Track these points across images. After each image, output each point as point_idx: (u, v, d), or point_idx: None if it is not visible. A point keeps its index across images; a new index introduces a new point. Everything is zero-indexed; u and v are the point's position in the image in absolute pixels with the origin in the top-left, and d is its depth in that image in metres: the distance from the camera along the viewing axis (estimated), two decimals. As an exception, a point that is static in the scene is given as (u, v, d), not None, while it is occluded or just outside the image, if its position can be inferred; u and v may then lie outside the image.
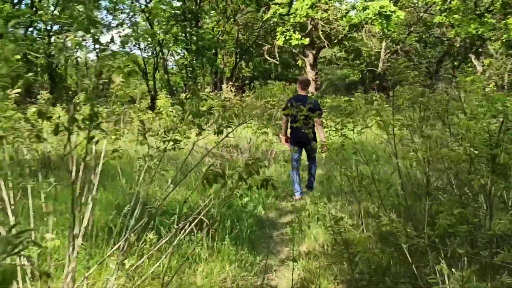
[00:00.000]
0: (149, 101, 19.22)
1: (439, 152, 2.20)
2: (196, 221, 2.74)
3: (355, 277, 3.20)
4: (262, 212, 5.18)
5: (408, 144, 2.96)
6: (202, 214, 2.71)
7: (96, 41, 1.47)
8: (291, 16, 16.85)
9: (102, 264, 2.72)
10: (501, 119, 1.90)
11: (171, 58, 25.42)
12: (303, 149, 6.09)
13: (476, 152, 1.82)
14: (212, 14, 25.03)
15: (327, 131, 4.76)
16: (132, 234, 2.49)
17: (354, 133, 4.03)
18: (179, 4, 20.68)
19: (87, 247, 3.23)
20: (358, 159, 3.66)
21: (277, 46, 19.15)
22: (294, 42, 16.99)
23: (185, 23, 19.94)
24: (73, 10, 1.57)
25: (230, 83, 16.76)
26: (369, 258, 3.33)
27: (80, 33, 1.58)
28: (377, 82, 24.49)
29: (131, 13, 21.28)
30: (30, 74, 1.83)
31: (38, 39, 17.10)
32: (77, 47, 1.57)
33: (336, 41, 19.50)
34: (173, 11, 19.85)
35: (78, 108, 1.71)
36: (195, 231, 3.66)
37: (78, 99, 1.74)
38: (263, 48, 21.67)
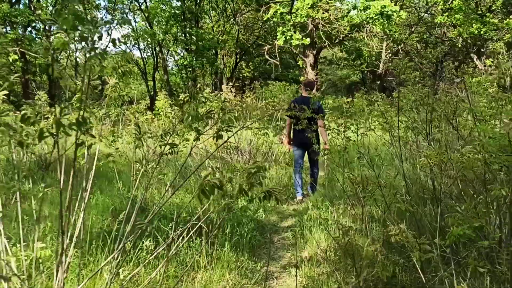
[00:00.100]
0: (149, 101, 19.12)
1: (450, 157, 2.08)
2: (196, 228, 2.63)
3: (360, 285, 3.08)
4: (262, 216, 5.06)
5: (416, 148, 2.85)
6: (201, 221, 2.59)
7: (83, 39, 1.35)
8: (293, 15, 16.73)
9: (96, 273, 2.60)
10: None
11: (171, 58, 25.33)
12: (306, 152, 6.01)
13: (493, 159, 1.70)
14: (212, 14, 24.93)
15: (329, 133, 4.66)
16: (128, 242, 2.37)
17: (357, 135, 3.91)
18: (178, 3, 20.56)
19: (80, 255, 3.10)
20: (363, 163, 3.54)
21: (277, 46, 19.02)
22: (294, 42, 16.86)
23: (184, 23, 19.81)
24: (61, 7, 1.44)
25: (230, 83, 16.63)
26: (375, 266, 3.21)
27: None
28: (378, 82, 24.37)
29: (126, 10, 21.17)
30: (16, 75, 1.71)
31: (37, 39, 17.01)
32: (64, 46, 1.45)
33: (337, 41, 19.37)
34: (172, 11, 19.72)
35: (66, 111, 1.59)
36: (194, 237, 3.55)
37: (67, 101, 1.61)
38: (264, 48, 21.53)
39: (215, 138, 1.79)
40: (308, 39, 17.31)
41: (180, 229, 3.03)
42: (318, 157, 5.92)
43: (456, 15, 16.83)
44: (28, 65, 14.70)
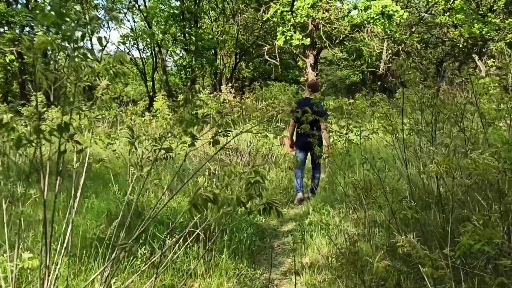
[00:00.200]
0: (147, 102, 18.96)
1: (459, 163, 1.95)
2: (194, 235, 2.51)
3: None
4: (262, 220, 4.94)
5: (420, 152, 2.73)
6: (199, 229, 2.48)
7: (67, 38, 1.23)
8: (293, 14, 16.60)
9: (87, 285, 2.47)
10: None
11: (170, 58, 25.20)
12: (308, 154, 5.93)
13: (508, 165, 1.58)
14: (211, 14, 24.81)
15: (331, 135, 4.55)
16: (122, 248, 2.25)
17: (360, 138, 3.79)
18: (177, 3, 20.44)
19: (71, 264, 2.98)
20: (368, 168, 3.42)
21: (277, 47, 18.88)
22: (295, 42, 16.73)
23: (184, 23, 19.68)
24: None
25: (230, 84, 16.50)
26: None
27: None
28: (378, 83, 24.26)
29: (125, 10, 21.02)
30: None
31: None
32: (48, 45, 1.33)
33: (337, 41, 19.25)
34: (171, 11, 19.59)
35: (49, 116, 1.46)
36: (191, 244, 3.43)
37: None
38: (263, 48, 21.40)
39: (211, 144, 1.67)
40: (308, 39, 17.17)
41: (177, 236, 2.92)
42: (320, 160, 5.83)
43: (457, 15, 16.72)
44: (26, 65, 14.55)
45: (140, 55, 23.78)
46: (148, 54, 24.13)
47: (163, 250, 2.70)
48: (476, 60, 19.05)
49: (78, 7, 13.83)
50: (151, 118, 7.66)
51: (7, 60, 11.84)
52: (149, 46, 22.47)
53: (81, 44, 1.26)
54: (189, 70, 20.47)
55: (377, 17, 15.08)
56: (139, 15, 22.16)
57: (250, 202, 1.30)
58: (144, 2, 21.20)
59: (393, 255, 3.41)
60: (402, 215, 3.50)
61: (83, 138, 3.66)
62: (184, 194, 5.18)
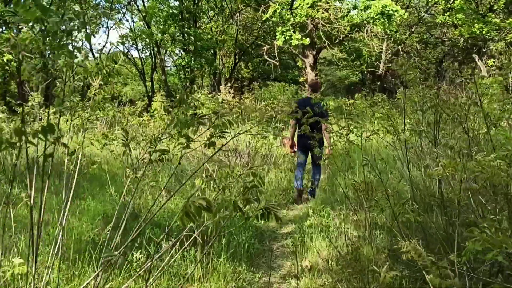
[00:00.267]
0: (146, 102, 18.86)
1: (465, 165, 1.88)
2: (192, 239, 2.44)
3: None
4: (261, 222, 4.86)
5: (421, 153, 2.66)
6: (196, 232, 2.40)
7: (51, 34, 1.15)
8: (293, 13, 16.53)
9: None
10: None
11: (169, 58, 25.12)
12: (308, 155, 5.87)
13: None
14: (210, 14, 24.73)
15: (331, 136, 4.48)
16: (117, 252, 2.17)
17: (361, 139, 3.72)
18: (176, 3, 20.36)
19: (64, 269, 2.90)
20: (369, 170, 3.34)
21: (276, 47, 18.80)
22: (294, 42, 16.65)
23: (182, 23, 19.59)
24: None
25: (229, 84, 16.41)
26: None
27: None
28: (378, 83, 24.19)
29: (124, 10, 20.92)
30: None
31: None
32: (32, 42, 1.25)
33: (337, 41, 19.18)
34: (170, 11, 19.50)
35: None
36: (188, 248, 3.35)
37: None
38: (263, 48, 21.32)
39: (207, 147, 1.60)
40: (308, 39, 17.10)
41: (173, 239, 2.84)
42: (320, 161, 5.76)
43: (457, 15, 16.66)
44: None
45: (139, 55, 23.72)
46: (147, 54, 24.07)
47: (160, 254, 2.63)
48: (476, 60, 19.00)
49: (77, 7, 13.75)
50: (149, 118, 7.58)
51: (5, 60, 11.76)
52: (148, 46, 22.41)
53: (69, 41, 1.18)
54: (188, 70, 20.39)
55: (377, 17, 15.00)
56: (138, 15, 22.08)
57: (247, 206, 1.23)
58: (143, 2, 21.13)
59: (395, 259, 3.34)
60: (405, 218, 3.43)
61: (77, 139, 3.58)
62: (182, 196, 5.10)
